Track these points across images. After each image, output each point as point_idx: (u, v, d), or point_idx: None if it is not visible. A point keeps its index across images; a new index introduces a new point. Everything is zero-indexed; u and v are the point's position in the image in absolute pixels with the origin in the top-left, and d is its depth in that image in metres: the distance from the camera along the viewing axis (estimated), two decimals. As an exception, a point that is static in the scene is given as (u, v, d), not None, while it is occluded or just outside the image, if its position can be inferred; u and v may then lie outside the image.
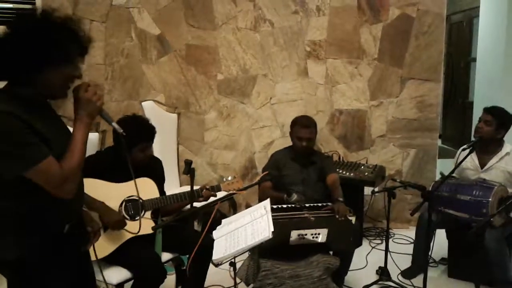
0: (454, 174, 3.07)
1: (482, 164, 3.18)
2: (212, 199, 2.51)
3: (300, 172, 3.06)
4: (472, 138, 3.25)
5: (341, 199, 2.82)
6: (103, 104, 1.67)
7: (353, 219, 2.64)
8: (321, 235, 2.52)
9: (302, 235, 2.49)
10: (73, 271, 1.72)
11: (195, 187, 2.45)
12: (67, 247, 1.67)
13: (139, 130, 2.46)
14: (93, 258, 2.25)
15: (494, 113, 3.10)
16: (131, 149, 2.42)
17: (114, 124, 1.74)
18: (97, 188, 2.33)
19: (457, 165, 3.04)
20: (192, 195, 2.22)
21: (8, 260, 1.55)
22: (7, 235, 1.55)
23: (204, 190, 2.55)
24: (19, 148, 1.45)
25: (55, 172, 1.50)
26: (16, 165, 1.46)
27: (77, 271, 1.76)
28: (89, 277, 1.90)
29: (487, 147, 3.16)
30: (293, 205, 2.82)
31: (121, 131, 1.73)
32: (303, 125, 3.02)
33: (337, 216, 2.64)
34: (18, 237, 1.55)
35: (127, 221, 2.41)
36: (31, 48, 1.47)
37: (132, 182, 2.46)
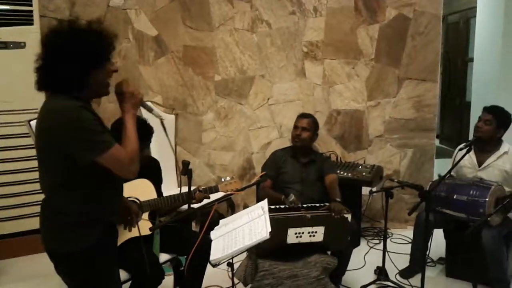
0: (452, 173, 3.08)
1: (480, 162, 3.20)
2: (206, 201, 2.51)
3: (299, 171, 3.07)
4: (470, 138, 3.26)
5: (338, 199, 2.82)
6: (143, 96, 1.89)
7: (348, 216, 2.64)
8: (318, 233, 2.52)
9: (299, 233, 2.50)
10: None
11: (192, 188, 2.46)
12: (114, 234, 1.95)
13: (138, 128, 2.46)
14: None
15: (494, 112, 3.11)
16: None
17: (155, 111, 1.97)
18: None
19: (454, 164, 3.05)
20: (190, 196, 2.22)
21: (74, 251, 1.73)
22: (75, 229, 1.74)
23: (197, 192, 2.55)
24: (95, 136, 1.65)
25: (124, 155, 1.71)
26: (93, 151, 1.65)
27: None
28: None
29: (485, 146, 3.17)
30: (290, 206, 2.82)
31: (161, 117, 1.97)
32: (301, 116, 3.20)
33: (333, 214, 2.65)
34: (83, 229, 1.74)
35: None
36: (76, 59, 1.66)
37: (130, 183, 2.47)
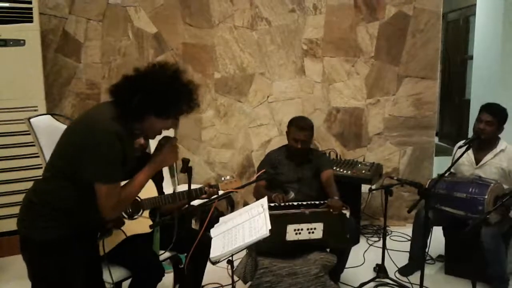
0: (451, 169, 3.08)
1: (477, 160, 3.20)
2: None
3: (295, 171, 3.06)
4: (470, 136, 3.26)
5: (336, 198, 2.81)
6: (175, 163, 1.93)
7: (347, 213, 2.64)
8: (317, 230, 2.53)
9: (299, 230, 2.50)
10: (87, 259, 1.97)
11: (193, 186, 2.46)
12: (89, 237, 1.97)
13: None
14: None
15: (494, 112, 3.09)
16: None
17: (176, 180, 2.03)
18: None
19: (453, 162, 3.05)
20: (190, 194, 2.22)
21: (43, 240, 1.77)
22: (52, 220, 1.78)
23: (207, 187, 2.55)
24: (106, 164, 1.71)
25: (115, 196, 1.76)
26: (95, 174, 1.71)
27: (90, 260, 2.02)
28: (98, 268, 2.14)
29: (483, 144, 3.16)
30: (289, 203, 2.83)
31: None
32: (299, 127, 3.00)
33: (331, 210, 2.65)
34: (60, 223, 1.79)
35: (125, 220, 2.42)
36: (156, 99, 1.74)
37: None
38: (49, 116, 2.77)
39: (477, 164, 3.19)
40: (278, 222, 2.43)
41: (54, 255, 1.79)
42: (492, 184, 2.94)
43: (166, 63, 1.84)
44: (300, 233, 2.53)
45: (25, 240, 1.83)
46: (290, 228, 2.50)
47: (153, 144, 2.74)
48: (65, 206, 1.79)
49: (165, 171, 2.85)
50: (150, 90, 1.74)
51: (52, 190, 1.80)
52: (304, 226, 2.53)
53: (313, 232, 2.54)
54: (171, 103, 1.79)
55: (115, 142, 1.70)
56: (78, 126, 1.83)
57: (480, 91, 5.67)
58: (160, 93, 1.75)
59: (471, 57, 6.17)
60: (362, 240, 3.94)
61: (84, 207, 1.80)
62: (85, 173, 1.72)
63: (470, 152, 3.20)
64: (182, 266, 2.74)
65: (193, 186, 2.38)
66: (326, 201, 2.83)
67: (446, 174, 2.99)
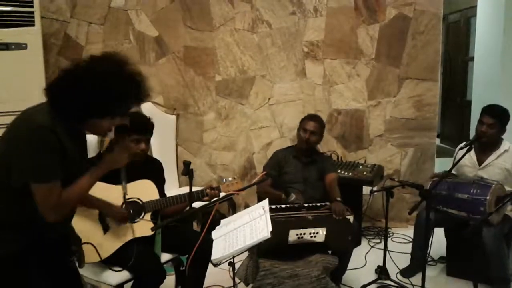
0: (453, 171, 3.08)
1: (480, 161, 3.19)
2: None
3: (301, 171, 3.08)
4: (471, 137, 3.25)
5: (339, 199, 2.82)
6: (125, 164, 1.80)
7: (351, 218, 2.65)
8: (320, 234, 2.53)
9: (301, 234, 2.50)
10: (55, 272, 1.77)
11: (195, 189, 2.46)
12: (51, 249, 1.72)
13: (131, 121, 2.45)
14: (95, 260, 2.27)
15: (495, 115, 3.07)
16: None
17: (124, 183, 2.00)
18: (96, 190, 2.32)
19: (455, 164, 3.05)
20: (191, 196, 2.23)
21: None
22: None
23: (209, 190, 2.55)
24: (41, 162, 1.52)
25: (54, 197, 1.56)
26: (28, 173, 1.52)
27: (60, 272, 1.81)
28: (74, 277, 1.95)
29: (486, 145, 3.16)
30: (291, 205, 2.83)
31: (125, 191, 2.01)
32: (309, 118, 3.14)
33: (334, 216, 2.66)
34: (6, 235, 1.60)
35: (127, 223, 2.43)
36: (99, 103, 1.55)
37: (132, 184, 2.48)
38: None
39: (480, 166, 3.19)
40: (280, 227, 2.43)
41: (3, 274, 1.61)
42: (493, 185, 2.93)
43: (107, 56, 1.63)
44: (302, 237, 2.53)
45: None
46: (292, 232, 2.50)
47: (153, 145, 2.75)
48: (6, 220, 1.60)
49: (167, 173, 2.85)
50: (91, 94, 1.54)
51: None
52: (307, 231, 2.52)
53: (315, 236, 2.54)
54: (117, 103, 1.60)
55: (49, 137, 1.51)
56: (7, 133, 1.61)
57: (481, 92, 5.67)
58: (103, 95, 1.55)
59: (472, 59, 6.16)
60: (364, 241, 3.94)
61: (26, 218, 1.61)
62: (17, 174, 1.53)
63: (472, 153, 3.19)
64: (184, 268, 2.75)
65: (194, 189, 2.39)
66: (328, 203, 2.84)
67: (447, 176, 2.99)
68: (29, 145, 1.51)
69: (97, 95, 1.55)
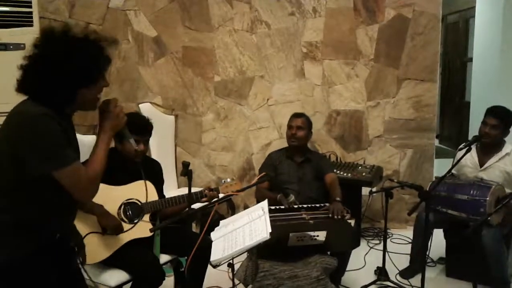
0: (453, 171, 3.07)
1: (482, 163, 3.18)
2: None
3: (295, 171, 3.08)
4: (470, 138, 3.24)
5: (338, 198, 2.82)
6: (126, 121, 1.75)
7: (352, 222, 2.65)
8: (320, 237, 2.52)
9: (301, 238, 2.50)
10: (60, 275, 1.72)
11: (194, 189, 2.46)
12: (55, 252, 1.68)
13: (130, 122, 2.45)
14: (93, 261, 2.26)
15: (500, 116, 3.06)
16: (122, 140, 2.42)
17: (131, 140, 1.87)
18: None
19: (454, 164, 3.05)
20: (190, 197, 2.22)
21: None
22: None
23: (207, 191, 2.54)
24: (56, 147, 1.49)
25: (82, 175, 1.55)
26: (49, 163, 1.49)
27: (64, 275, 1.76)
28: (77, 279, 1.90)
29: (488, 146, 3.14)
30: (290, 206, 2.82)
31: (136, 147, 2.02)
32: (295, 115, 3.20)
33: (333, 215, 2.65)
34: (8, 239, 1.55)
35: (125, 224, 2.42)
36: (66, 74, 1.51)
37: (131, 185, 2.48)
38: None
39: (481, 167, 3.18)
40: (280, 231, 2.42)
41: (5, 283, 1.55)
42: (493, 186, 2.93)
43: (48, 31, 1.58)
44: (302, 240, 2.53)
45: None
46: (293, 235, 2.49)
47: (151, 146, 2.74)
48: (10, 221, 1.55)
49: (165, 174, 2.85)
50: (66, 66, 1.50)
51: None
52: (307, 234, 2.51)
53: (315, 239, 2.53)
54: (93, 64, 1.57)
55: (51, 123, 1.49)
56: (5, 129, 1.58)
57: (480, 93, 5.68)
58: (78, 61, 1.52)
59: (471, 59, 6.18)
60: (363, 242, 3.93)
61: (35, 222, 1.58)
62: (34, 165, 1.48)
63: (474, 154, 3.18)
64: (183, 269, 2.74)
65: (193, 190, 2.38)
66: (327, 204, 2.83)
67: (448, 177, 2.99)
68: (36, 135, 1.48)
69: (72, 64, 1.52)
